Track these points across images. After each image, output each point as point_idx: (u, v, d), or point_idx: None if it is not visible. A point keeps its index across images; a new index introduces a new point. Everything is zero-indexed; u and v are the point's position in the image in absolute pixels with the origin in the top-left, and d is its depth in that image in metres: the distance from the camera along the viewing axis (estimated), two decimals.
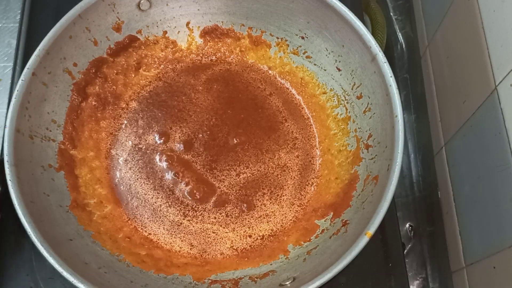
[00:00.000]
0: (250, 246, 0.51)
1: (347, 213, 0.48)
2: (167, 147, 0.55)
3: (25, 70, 0.46)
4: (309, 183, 0.54)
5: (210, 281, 0.47)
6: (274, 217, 0.53)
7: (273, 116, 0.57)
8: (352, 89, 0.51)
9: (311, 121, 0.56)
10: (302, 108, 0.57)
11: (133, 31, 0.54)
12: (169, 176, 0.54)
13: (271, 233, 0.52)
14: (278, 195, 0.54)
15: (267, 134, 0.56)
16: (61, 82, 0.50)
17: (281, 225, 0.52)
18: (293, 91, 0.57)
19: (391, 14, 0.67)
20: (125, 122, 0.56)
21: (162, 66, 0.58)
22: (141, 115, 0.56)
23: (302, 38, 0.54)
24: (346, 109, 0.53)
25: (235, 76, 0.58)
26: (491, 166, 0.46)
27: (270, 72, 0.58)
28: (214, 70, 0.58)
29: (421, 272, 0.56)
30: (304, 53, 0.55)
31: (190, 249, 0.51)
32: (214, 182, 0.54)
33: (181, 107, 0.57)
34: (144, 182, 0.54)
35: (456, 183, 0.54)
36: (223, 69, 0.58)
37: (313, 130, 0.56)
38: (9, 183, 0.43)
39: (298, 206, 0.53)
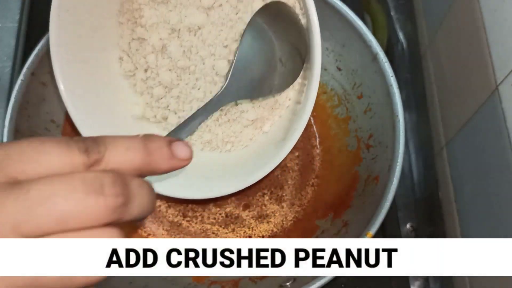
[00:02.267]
0: None
1: (347, 214, 0.48)
2: None
3: (24, 70, 0.46)
4: (309, 183, 0.54)
5: (209, 281, 0.47)
6: (274, 218, 0.52)
7: None
8: (352, 88, 0.51)
9: (311, 121, 0.56)
10: None
11: None
12: None
13: (271, 233, 0.52)
14: (278, 196, 0.53)
15: None
16: None
17: (281, 226, 0.52)
18: None
19: (392, 13, 0.67)
20: None
21: None
22: None
23: None
24: (347, 109, 0.52)
25: None
26: (492, 166, 0.45)
27: None
28: None
29: None
30: None
31: None
32: None
33: None
34: None
35: (457, 183, 0.54)
36: None
37: (313, 130, 0.56)
38: None
39: (298, 206, 0.53)
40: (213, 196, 0.43)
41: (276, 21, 0.42)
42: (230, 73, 0.42)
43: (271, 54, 0.42)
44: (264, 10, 0.41)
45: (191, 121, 0.40)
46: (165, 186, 0.42)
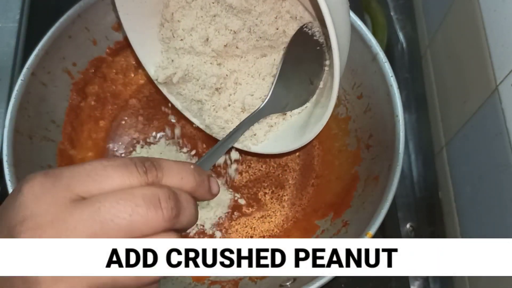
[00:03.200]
0: None
1: (347, 214, 0.48)
2: (167, 146, 0.55)
3: (24, 70, 0.46)
4: (309, 183, 0.54)
5: (209, 281, 0.47)
6: (276, 218, 0.52)
7: None
8: (352, 89, 0.51)
9: None
10: None
11: None
12: None
13: (271, 233, 0.52)
14: (279, 195, 0.53)
15: None
16: (60, 82, 0.50)
17: (282, 226, 0.52)
18: None
19: (392, 13, 0.67)
20: (125, 121, 0.56)
21: None
22: (141, 112, 0.56)
23: None
24: (347, 109, 0.52)
25: None
26: (492, 167, 0.45)
27: None
28: None
29: None
30: None
31: None
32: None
33: None
34: None
35: (457, 184, 0.54)
36: None
37: None
38: (8, 184, 0.43)
39: (298, 206, 0.53)
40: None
41: (304, 45, 0.46)
42: (272, 89, 0.46)
43: (304, 73, 0.47)
44: (296, 36, 0.46)
45: (235, 132, 0.43)
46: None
